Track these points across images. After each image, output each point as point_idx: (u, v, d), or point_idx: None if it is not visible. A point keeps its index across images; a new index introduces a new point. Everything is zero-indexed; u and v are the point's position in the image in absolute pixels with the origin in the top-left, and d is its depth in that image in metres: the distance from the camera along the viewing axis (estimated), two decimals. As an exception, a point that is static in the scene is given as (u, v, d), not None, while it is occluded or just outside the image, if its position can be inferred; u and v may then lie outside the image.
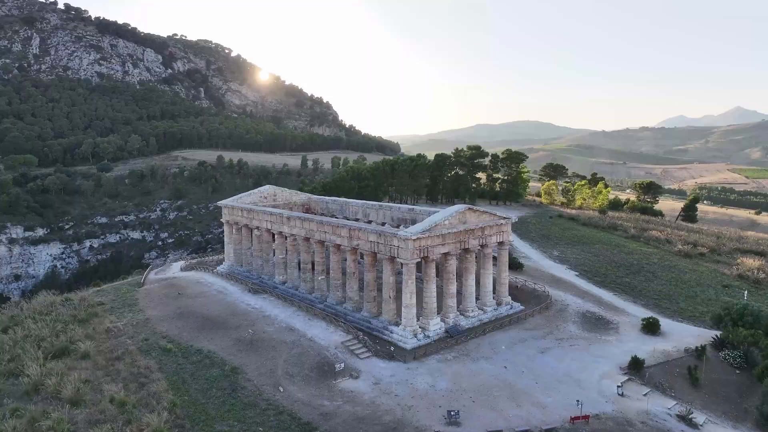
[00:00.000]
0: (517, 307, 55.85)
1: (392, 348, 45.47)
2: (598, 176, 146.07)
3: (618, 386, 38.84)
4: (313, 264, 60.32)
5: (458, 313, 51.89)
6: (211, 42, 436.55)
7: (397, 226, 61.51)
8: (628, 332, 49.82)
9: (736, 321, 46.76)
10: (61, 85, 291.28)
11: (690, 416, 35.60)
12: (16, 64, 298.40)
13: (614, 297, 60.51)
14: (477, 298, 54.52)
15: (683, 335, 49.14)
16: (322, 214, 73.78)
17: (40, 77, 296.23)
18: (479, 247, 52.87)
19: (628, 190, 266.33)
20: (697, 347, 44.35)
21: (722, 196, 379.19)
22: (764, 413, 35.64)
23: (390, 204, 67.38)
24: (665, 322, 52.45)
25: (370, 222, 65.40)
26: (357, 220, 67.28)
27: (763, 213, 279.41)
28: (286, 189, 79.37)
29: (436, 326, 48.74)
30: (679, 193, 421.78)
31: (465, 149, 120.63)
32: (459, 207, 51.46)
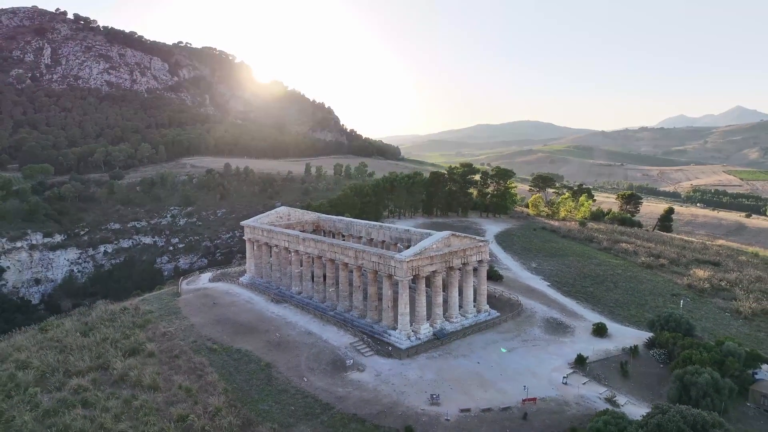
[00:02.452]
0: (494, 314, 67.42)
1: (390, 348, 57.05)
2: (595, 178, 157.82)
3: (564, 377, 50.48)
4: (324, 277, 71.83)
5: (444, 319, 63.51)
6: (215, 49, 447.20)
7: (395, 243, 73.27)
8: (581, 335, 61.44)
9: (663, 325, 58.27)
10: (72, 94, 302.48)
11: (614, 399, 47.30)
12: (29, 74, 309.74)
13: (576, 305, 72.10)
14: (460, 307, 66.05)
15: (626, 337, 60.76)
16: (330, 232, 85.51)
17: (52, 87, 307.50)
18: (462, 265, 64.39)
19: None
20: (631, 347, 55.94)
21: (715, 199, 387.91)
22: (670, 396, 47.13)
23: (389, 225, 78.87)
24: (614, 327, 64.13)
25: (371, 239, 77.09)
26: (360, 237, 78.95)
27: (753, 216, 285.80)
28: (298, 210, 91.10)
29: (425, 330, 60.30)
30: (674, 195, 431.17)
31: (458, 166, 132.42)
32: (444, 233, 63.00)
